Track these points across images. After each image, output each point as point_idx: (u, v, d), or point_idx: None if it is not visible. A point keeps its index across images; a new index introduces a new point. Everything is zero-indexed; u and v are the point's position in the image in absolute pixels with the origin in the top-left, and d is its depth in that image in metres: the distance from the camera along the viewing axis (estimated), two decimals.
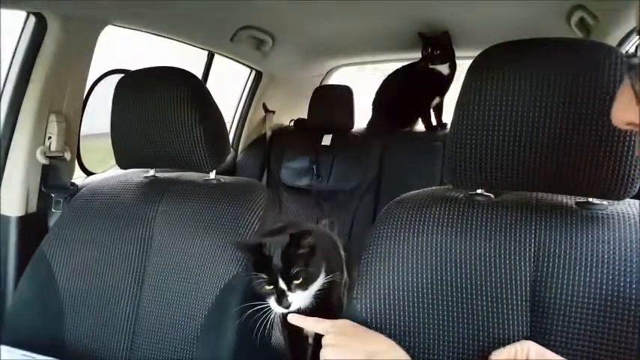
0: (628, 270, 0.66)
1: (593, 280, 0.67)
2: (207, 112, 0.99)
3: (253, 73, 2.23)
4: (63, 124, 1.26)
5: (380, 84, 2.29)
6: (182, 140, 0.96)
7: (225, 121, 1.11)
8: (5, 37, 1.12)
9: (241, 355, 0.86)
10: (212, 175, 1.05)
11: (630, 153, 0.64)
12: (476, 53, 0.73)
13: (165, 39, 1.58)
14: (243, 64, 2.11)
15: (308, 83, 2.47)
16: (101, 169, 1.60)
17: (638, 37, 0.41)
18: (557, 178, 0.68)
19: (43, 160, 1.24)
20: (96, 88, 1.48)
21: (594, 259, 0.68)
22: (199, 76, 1.88)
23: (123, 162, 1.06)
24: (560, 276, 0.69)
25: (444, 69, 1.98)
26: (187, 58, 1.91)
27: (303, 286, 0.79)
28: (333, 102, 2.18)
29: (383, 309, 0.75)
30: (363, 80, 3.25)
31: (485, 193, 0.79)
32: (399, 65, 2.24)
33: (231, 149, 2.27)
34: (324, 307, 0.84)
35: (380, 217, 0.82)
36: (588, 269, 0.68)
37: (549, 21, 1.51)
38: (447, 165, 0.76)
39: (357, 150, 2.09)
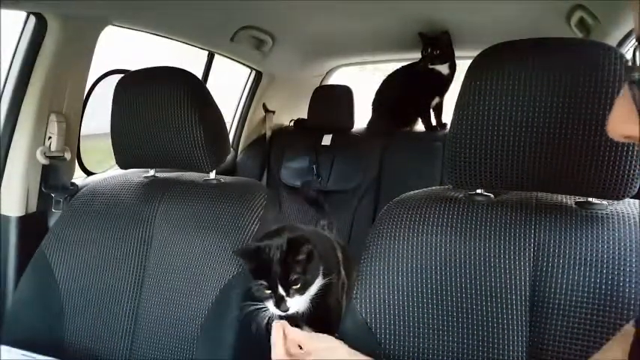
0: (627, 270, 0.66)
1: (592, 279, 0.67)
2: (207, 112, 0.99)
3: (253, 73, 2.23)
4: (63, 124, 1.26)
5: (380, 84, 2.29)
6: (182, 140, 0.96)
7: (225, 121, 1.11)
8: (5, 37, 1.12)
9: (241, 355, 0.86)
10: (212, 175, 1.05)
11: (630, 153, 0.64)
12: (475, 53, 0.73)
13: (165, 39, 1.58)
14: (243, 64, 2.10)
15: (308, 83, 2.46)
16: (101, 169, 1.60)
17: (637, 42, 0.40)
18: (556, 178, 0.68)
19: (43, 160, 1.24)
20: (96, 88, 1.48)
21: (594, 259, 0.68)
22: (199, 76, 1.88)
23: (123, 162, 1.06)
24: (560, 276, 0.69)
25: (443, 69, 1.97)
26: (187, 58, 1.91)
27: (301, 290, 0.80)
28: (333, 102, 2.17)
29: (382, 308, 0.75)
30: (363, 80, 3.24)
31: (485, 193, 0.79)
32: (399, 65, 2.24)
33: (231, 149, 2.27)
34: (321, 309, 0.84)
35: (380, 217, 0.82)
36: (588, 269, 0.68)
37: (549, 21, 1.51)
38: (446, 165, 0.76)
39: (356, 150, 2.09)
